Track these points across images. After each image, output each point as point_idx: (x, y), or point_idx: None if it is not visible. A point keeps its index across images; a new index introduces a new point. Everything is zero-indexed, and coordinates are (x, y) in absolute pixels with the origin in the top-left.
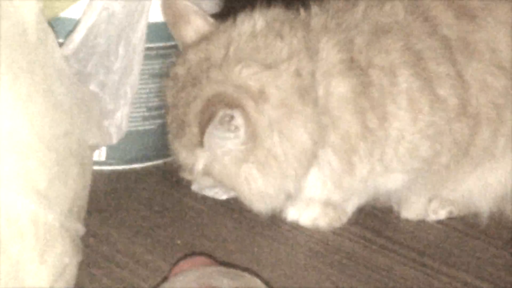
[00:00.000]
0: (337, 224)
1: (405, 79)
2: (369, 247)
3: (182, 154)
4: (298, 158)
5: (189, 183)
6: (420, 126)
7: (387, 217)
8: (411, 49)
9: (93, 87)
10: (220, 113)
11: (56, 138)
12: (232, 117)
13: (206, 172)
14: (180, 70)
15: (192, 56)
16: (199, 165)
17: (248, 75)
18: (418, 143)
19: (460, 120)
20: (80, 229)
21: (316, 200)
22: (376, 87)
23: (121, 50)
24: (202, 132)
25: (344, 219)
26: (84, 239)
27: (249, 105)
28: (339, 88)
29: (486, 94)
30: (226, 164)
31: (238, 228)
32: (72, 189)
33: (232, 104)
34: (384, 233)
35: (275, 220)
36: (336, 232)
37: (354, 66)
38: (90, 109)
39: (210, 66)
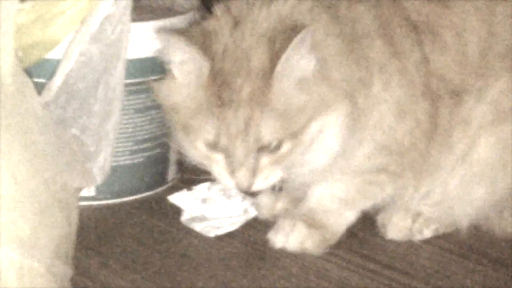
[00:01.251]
0: (324, 246)
1: (378, 46)
2: (357, 272)
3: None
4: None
5: (178, 215)
6: (388, 98)
7: (373, 240)
8: (381, 20)
9: (74, 130)
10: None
11: (38, 186)
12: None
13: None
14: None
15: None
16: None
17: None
18: (385, 114)
19: (424, 99)
20: (68, 271)
21: (301, 218)
22: (359, 45)
23: (100, 93)
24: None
25: (332, 241)
26: (73, 278)
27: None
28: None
29: (446, 84)
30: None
31: (228, 260)
32: (57, 233)
33: (299, 27)
34: (372, 256)
35: (265, 250)
36: (325, 258)
37: (342, 20)
38: (73, 153)
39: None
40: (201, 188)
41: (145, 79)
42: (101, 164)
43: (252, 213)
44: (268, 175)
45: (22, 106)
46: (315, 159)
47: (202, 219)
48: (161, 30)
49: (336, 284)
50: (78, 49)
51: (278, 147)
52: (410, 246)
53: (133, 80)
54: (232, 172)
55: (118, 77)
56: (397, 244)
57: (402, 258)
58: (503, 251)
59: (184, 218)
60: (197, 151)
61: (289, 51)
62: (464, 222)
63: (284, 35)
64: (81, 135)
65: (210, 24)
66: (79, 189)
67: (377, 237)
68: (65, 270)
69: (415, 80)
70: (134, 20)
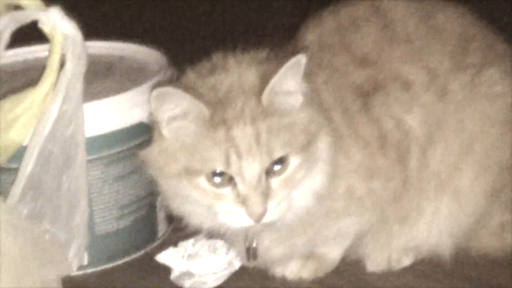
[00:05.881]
0: (321, 274)
1: (336, 118)
2: None
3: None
4: None
5: (168, 272)
6: (351, 166)
7: (353, 272)
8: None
9: (44, 224)
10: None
11: None
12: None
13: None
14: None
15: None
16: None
17: None
18: (353, 182)
19: (383, 155)
20: None
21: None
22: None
23: (64, 186)
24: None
25: (328, 268)
26: None
27: None
28: None
29: (399, 128)
30: None
31: None
32: None
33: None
34: None
35: None
36: None
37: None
38: (44, 246)
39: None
40: (186, 244)
41: (120, 149)
42: (75, 252)
43: (237, 265)
44: (280, 200)
45: None
46: (313, 181)
47: (190, 275)
48: (157, 90)
49: None
50: (35, 151)
51: (285, 166)
52: (390, 276)
53: (109, 152)
54: (243, 201)
55: (79, 168)
56: (378, 275)
57: None
58: (481, 271)
59: (173, 275)
60: (200, 192)
61: (281, 72)
62: (445, 249)
63: (276, 59)
64: (52, 227)
65: (184, 79)
66: (58, 277)
67: (358, 270)
68: None
69: (370, 141)
70: (105, 90)
